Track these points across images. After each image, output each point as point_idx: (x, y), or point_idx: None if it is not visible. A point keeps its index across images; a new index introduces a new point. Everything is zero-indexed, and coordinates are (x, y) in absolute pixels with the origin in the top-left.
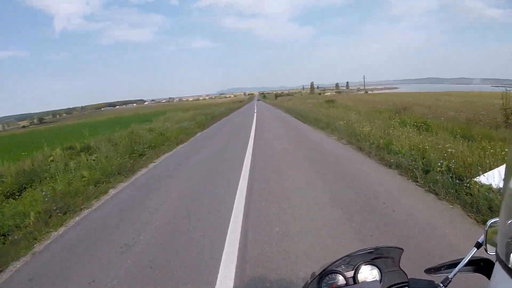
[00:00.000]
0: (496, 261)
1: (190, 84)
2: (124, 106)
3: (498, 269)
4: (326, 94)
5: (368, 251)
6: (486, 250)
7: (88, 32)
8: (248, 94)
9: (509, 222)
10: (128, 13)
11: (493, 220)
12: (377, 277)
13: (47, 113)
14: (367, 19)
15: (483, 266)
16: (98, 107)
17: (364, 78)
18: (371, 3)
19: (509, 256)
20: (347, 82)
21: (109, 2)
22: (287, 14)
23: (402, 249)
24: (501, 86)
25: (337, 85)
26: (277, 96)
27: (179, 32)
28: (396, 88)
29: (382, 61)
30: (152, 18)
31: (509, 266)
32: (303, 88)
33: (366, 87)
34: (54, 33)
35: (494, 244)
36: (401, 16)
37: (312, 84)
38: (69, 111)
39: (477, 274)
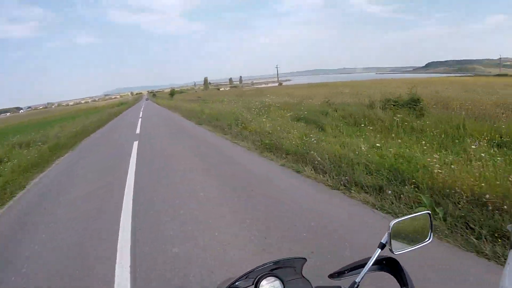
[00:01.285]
0: (509, 249)
1: (73, 87)
2: None
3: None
4: (220, 89)
5: (270, 264)
6: (391, 250)
7: None
8: (136, 94)
9: None
10: (6, 5)
11: (395, 221)
12: None
13: None
14: (257, 15)
15: (385, 264)
16: None
17: (250, 72)
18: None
19: None
20: (240, 77)
21: None
22: (178, 9)
23: (305, 258)
24: (384, 73)
25: (230, 80)
26: (173, 94)
27: (61, 28)
28: (289, 80)
29: (273, 55)
30: (32, 11)
31: None
32: (195, 85)
33: (259, 81)
34: None
35: (398, 244)
36: (289, 12)
37: (206, 80)
38: None
39: (381, 272)
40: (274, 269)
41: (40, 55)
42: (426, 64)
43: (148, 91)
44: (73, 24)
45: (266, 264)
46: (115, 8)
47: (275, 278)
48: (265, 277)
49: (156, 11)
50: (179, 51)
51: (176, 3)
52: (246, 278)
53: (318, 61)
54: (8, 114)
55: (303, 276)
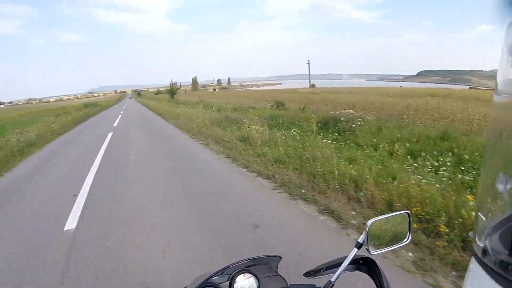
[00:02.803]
0: (471, 256)
1: (58, 83)
2: None
3: (475, 267)
4: (209, 90)
5: (245, 261)
6: (368, 250)
7: None
8: (120, 92)
9: (491, 222)
10: None
11: (372, 220)
12: (255, 285)
13: None
14: (242, 17)
15: (362, 264)
16: None
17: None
18: (247, 2)
19: (490, 254)
20: (229, 78)
21: None
22: (164, 9)
23: (280, 257)
24: (386, 81)
25: (219, 81)
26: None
27: (45, 26)
28: (280, 84)
29: (259, 58)
30: (16, 8)
31: (486, 263)
32: (180, 85)
33: (248, 83)
34: None
35: (375, 244)
36: (275, 15)
37: (195, 80)
38: None
39: (357, 272)
40: (250, 266)
41: (25, 52)
42: (417, 73)
43: (132, 90)
44: (59, 22)
45: (241, 261)
46: (101, 7)
47: (250, 274)
48: (241, 273)
49: (142, 11)
50: (164, 52)
51: (161, 3)
52: (221, 274)
53: (305, 66)
54: None
55: (278, 274)
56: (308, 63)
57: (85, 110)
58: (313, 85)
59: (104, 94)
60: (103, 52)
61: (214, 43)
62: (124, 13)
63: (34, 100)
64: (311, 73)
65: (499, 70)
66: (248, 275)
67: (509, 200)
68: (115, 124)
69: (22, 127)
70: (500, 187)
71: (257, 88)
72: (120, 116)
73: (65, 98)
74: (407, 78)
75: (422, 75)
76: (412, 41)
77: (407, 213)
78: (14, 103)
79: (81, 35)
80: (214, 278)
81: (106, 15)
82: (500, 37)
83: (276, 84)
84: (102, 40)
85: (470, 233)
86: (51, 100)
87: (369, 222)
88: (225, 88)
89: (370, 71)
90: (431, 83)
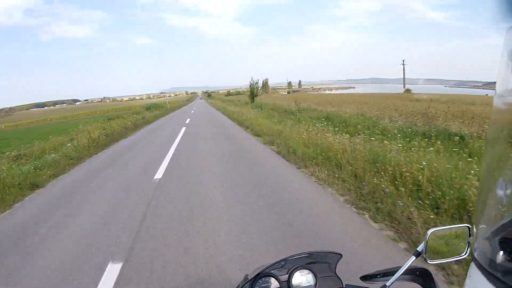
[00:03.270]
0: (471, 262)
1: (131, 83)
2: (54, 106)
3: (474, 272)
4: (280, 92)
5: (305, 255)
6: (425, 260)
7: (24, 27)
8: (191, 93)
9: (490, 227)
10: (69, 8)
11: (433, 230)
12: (312, 282)
13: None
14: (312, 19)
15: (418, 276)
16: (28, 108)
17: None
18: (317, 4)
19: (489, 259)
20: (300, 81)
21: None
22: (233, 13)
23: (340, 254)
24: (465, 87)
25: (289, 84)
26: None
27: (121, 29)
28: (354, 87)
29: (328, 60)
30: (94, 14)
31: (486, 268)
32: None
33: (319, 86)
34: None
35: (433, 254)
36: (345, 17)
37: (266, 82)
38: None
39: (413, 283)
40: (310, 262)
41: (101, 54)
42: None
43: (202, 91)
44: (133, 27)
45: (301, 254)
46: (172, 12)
47: (309, 271)
48: (300, 269)
49: (211, 15)
50: (233, 54)
51: (231, 7)
52: (281, 266)
53: (376, 70)
54: (64, 105)
55: (336, 274)
56: (403, 64)
57: (144, 114)
58: (408, 90)
59: (176, 95)
60: (174, 54)
61: (283, 46)
62: (194, 18)
63: (108, 98)
64: (382, 76)
65: (499, 75)
66: (306, 271)
67: (508, 205)
68: (170, 153)
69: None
70: (500, 192)
71: (331, 92)
72: (182, 131)
73: (137, 97)
74: (486, 85)
75: None
76: (492, 44)
77: (468, 226)
78: (89, 101)
79: (154, 39)
80: (273, 270)
81: (178, 19)
82: None
83: (349, 87)
84: (173, 43)
85: (470, 238)
86: (124, 99)
87: (430, 232)
88: (297, 91)
89: (446, 76)
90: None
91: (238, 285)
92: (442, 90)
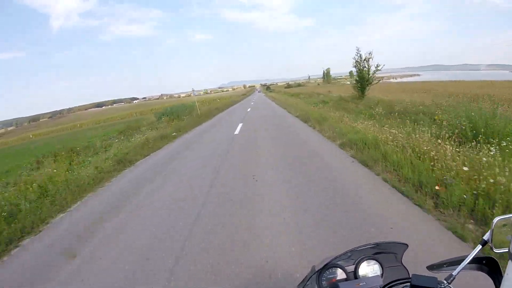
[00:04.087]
0: (509, 259)
1: (189, 80)
2: (112, 105)
3: (510, 268)
4: (342, 83)
5: (371, 246)
6: (491, 248)
7: (83, 29)
8: (249, 87)
9: None
10: (126, 8)
11: (499, 218)
12: (378, 272)
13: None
14: (369, 8)
15: (485, 264)
16: (86, 108)
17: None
18: None
19: None
20: None
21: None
22: (288, 4)
23: (406, 244)
24: None
25: (351, 73)
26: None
27: (178, 27)
28: (418, 75)
29: (387, 49)
30: (150, 12)
31: None
32: (309, 78)
33: (380, 75)
34: (49, 33)
35: (500, 242)
36: (404, 4)
37: (328, 72)
38: (55, 113)
39: (480, 272)
40: (376, 253)
41: (160, 52)
42: None
43: (261, 84)
44: (190, 24)
45: (367, 245)
46: (229, 7)
47: (376, 262)
48: (366, 260)
49: (267, 8)
50: (291, 46)
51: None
52: (348, 257)
53: (437, 56)
54: (123, 103)
55: (402, 264)
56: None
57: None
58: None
59: (233, 89)
60: (232, 49)
61: (340, 37)
62: (250, 12)
63: (166, 95)
64: (443, 63)
65: None
66: (373, 262)
67: None
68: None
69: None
70: None
71: (396, 80)
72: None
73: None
74: None
75: None
76: None
77: None
78: (147, 99)
79: (211, 34)
80: (340, 261)
81: (234, 14)
82: None
83: (414, 75)
84: (230, 38)
85: (508, 236)
86: (182, 95)
87: (496, 219)
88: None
89: (507, 61)
90: None
91: (306, 276)
92: (506, 76)
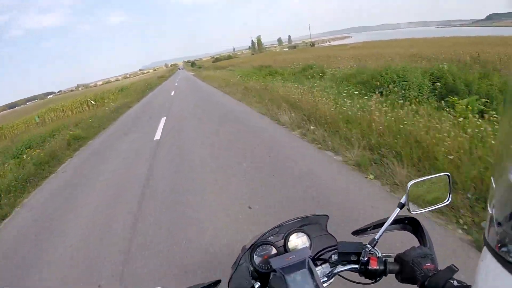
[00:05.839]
0: (484, 245)
1: (109, 66)
2: (24, 105)
3: (487, 256)
4: (274, 50)
5: (296, 220)
6: (409, 210)
7: None
8: (170, 66)
9: (504, 211)
10: None
11: (412, 182)
12: (307, 244)
13: None
14: None
15: (407, 223)
16: None
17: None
18: None
19: (500, 244)
20: (289, 36)
21: None
22: None
23: (327, 216)
24: (449, 27)
25: (279, 40)
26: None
27: (93, 11)
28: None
29: (305, 14)
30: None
31: (499, 253)
32: (234, 50)
33: (312, 40)
34: None
35: (416, 204)
36: None
37: (259, 40)
38: None
39: (403, 231)
40: (302, 226)
41: (74, 40)
42: (487, 16)
43: (184, 61)
44: (104, 7)
45: (293, 219)
46: None
47: (303, 233)
48: (294, 233)
49: None
50: (212, 19)
51: None
52: (276, 233)
53: (356, 18)
54: (36, 101)
55: (328, 233)
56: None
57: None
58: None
59: (154, 70)
60: (151, 29)
61: (261, 5)
62: None
63: (82, 85)
64: (362, 25)
65: None
66: (301, 234)
67: None
68: None
69: None
70: None
71: (330, 44)
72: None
73: (112, 79)
74: (475, 23)
75: (493, 18)
76: None
77: (447, 175)
78: (63, 92)
79: (128, 15)
80: (269, 237)
81: None
82: None
83: (345, 37)
84: (148, 17)
85: (483, 223)
86: (98, 83)
87: (410, 183)
88: (294, 46)
89: (429, 17)
90: (506, 27)
91: (238, 257)
92: (433, 32)
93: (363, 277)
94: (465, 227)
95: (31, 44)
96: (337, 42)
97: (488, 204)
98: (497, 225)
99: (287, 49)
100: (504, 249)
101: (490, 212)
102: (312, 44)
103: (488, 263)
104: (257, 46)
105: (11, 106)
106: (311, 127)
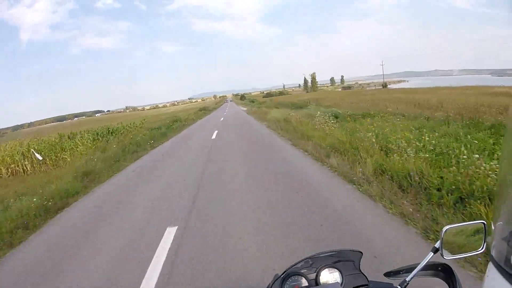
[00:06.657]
0: (490, 261)
1: (159, 92)
2: (72, 120)
3: (492, 271)
4: (325, 89)
5: (330, 254)
6: (442, 255)
7: (51, 42)
8: (219, 97)
9: (508, 226)
10: (95, 21)
11: (448, 227)
12: (338, 280)
13: None
14: (337, 16)
15: (440, 271)
16: (47, 122)
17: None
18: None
19: (505, 259)
20: (342, 76)
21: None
22: (257, 14)
23: (361, 252)
24: (504, 76)
25: (332, 79)
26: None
27: (146, 39)
28: (405, 81)
29: (361, 56)
30: (120, 25)
31: (504, 268)
32: (284, 87)
33: (362, 82)
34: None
35: (449, 249)
36: (371, 10)
37: (313, 77)
38: (16, 127)
39: (435, 278)
40: (336, 262)
41: (127, 64)
42: None
43: (233, 94)
44: (158, 35)
45: (326, 252)
46: (198, 17)
47: (336, 270)
48: (327, 268)
49: (236, 18)
50: (262, 56)
51: (255, 8)
52: (309, 266)
53: (408, 63)
54: (83, 117)
55: (361, 271)
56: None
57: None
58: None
59: (203, 100)
60: (202, 60)
61: (311, 45)
62: (219, 22)
63: (130, 108)
64: (413, 70)
65: None
66: (333, 269)
67: None
68: None
69: None
70: None
71: (390, 87)
72: None
73: (160, 105)
74: None
75: None
76: None
77: (483, 223)
78: (111, 112)
79: (180, 46)
80: (302, 269)
81: (204, 24)
82: None
83: (401, 81)
84: (200, 48)
85: (488, 238)
86: (146, 108)
87: (445, 228)
88: (350, 87)
89: (480, 65)
90: None
91: (269, 284)
92: (489, 81)
93: None
94: None
95: (87, 63)
96: (397, 85)
97: (493, 221)
98: (502, 240)
99: (340, 89)
100: (509, 263)
101: (494, 226)
102: (385, 85)
103: (494, 278)
104: (310, 84)
105: (60, 119)
106: None
